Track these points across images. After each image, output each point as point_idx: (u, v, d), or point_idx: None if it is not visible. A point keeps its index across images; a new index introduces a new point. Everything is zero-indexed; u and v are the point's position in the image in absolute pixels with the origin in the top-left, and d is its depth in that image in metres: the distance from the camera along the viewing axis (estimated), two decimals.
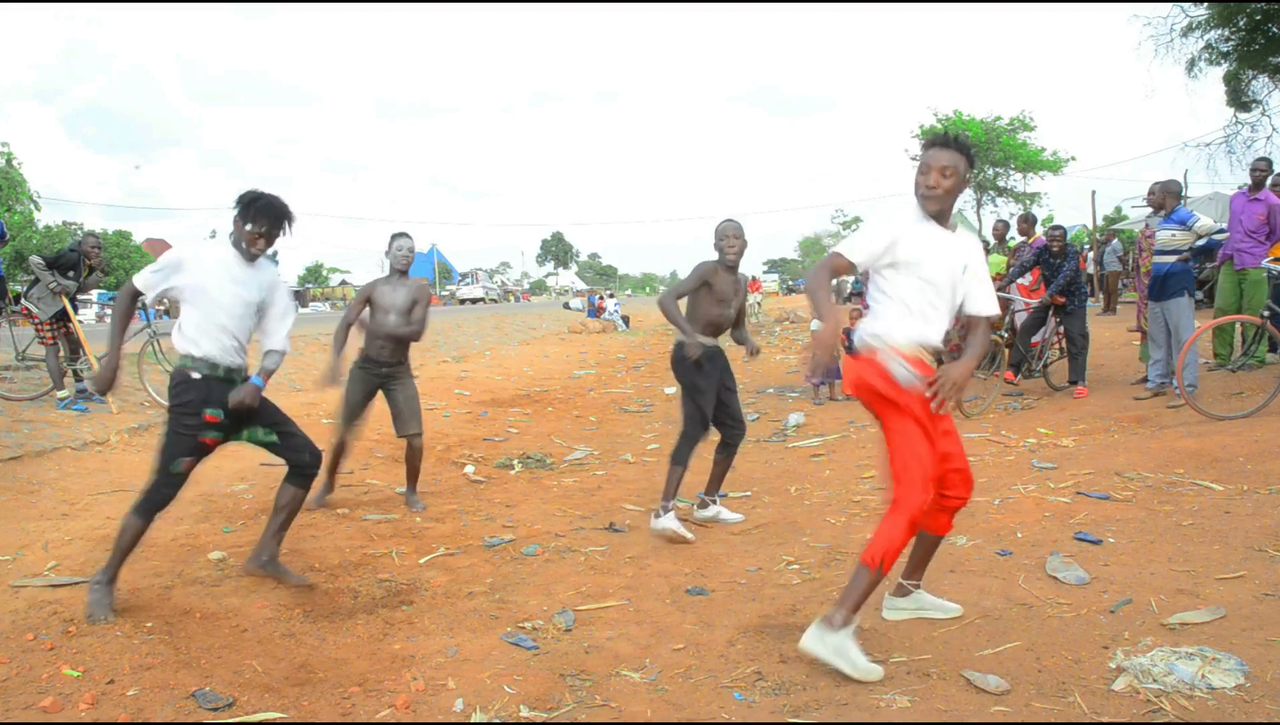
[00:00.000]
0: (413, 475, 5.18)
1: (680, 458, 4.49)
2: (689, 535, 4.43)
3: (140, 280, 3.34)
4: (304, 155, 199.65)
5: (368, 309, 5.06)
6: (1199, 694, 2.42)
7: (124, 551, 3.29)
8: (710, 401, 4.51)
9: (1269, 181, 7.08)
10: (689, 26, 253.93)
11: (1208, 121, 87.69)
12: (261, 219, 3.34)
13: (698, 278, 4.48)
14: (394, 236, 5.09)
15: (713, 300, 4.51)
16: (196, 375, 3.33)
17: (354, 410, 5.04)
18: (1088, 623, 3.01)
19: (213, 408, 3.33)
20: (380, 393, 5.09)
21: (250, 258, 3.41)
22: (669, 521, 4.42)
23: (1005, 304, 8.11)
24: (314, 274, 75.89)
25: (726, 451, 4.77)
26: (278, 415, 3.57)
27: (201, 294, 3.32)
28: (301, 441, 3.58)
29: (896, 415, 2.76)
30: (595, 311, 26.31)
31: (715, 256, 4.55)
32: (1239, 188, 15.04)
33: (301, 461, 3.58)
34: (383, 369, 5.02)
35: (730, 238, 4.50)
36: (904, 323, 2.79)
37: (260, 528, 4.06)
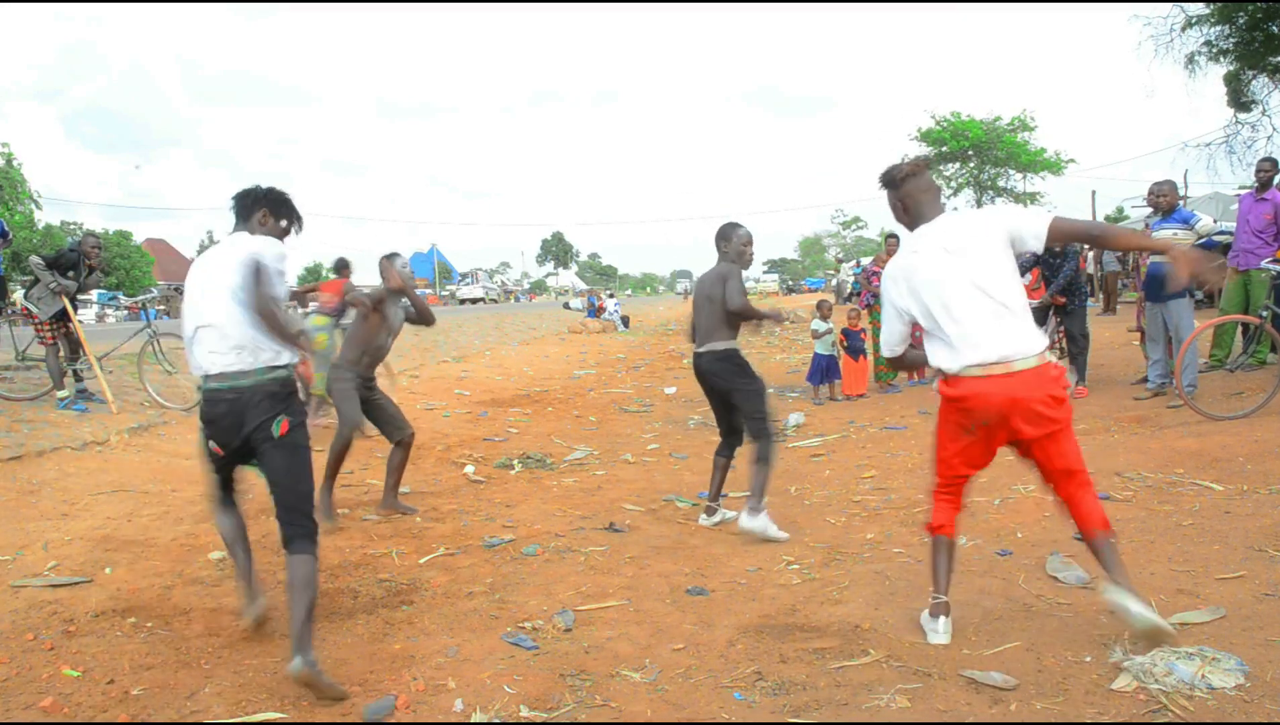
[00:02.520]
0: (398, 480, 5.18)
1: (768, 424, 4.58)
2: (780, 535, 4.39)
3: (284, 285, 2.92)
4: (304, 155, 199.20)
5: (354, 317, 5.14)
6: (1199, 694, 2.42)
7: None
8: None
9: (1276, 181, 7.05)
10: (689, 26, 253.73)
11: (1208, 121, 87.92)
12: (299, 223, 3.18)
13: (741, 280, 4.64)
14: (393, 256, 5.12)
15: None
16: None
17: (362, 412, 5.05)
18: (1088, 623, 3.01)
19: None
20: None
21: None
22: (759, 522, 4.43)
23: None
24: (314, 274, 75.84)
25: (729, 453, 4.79)
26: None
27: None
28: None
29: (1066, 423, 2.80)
30: (595, 312, 26.28)
31: (719, 259, 4.68)
32: (1239, 189, 15.05)
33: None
34: (369, 382, 5.14)
35: (750, 245, 4.72)
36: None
37: (259, 526, 4.06)
